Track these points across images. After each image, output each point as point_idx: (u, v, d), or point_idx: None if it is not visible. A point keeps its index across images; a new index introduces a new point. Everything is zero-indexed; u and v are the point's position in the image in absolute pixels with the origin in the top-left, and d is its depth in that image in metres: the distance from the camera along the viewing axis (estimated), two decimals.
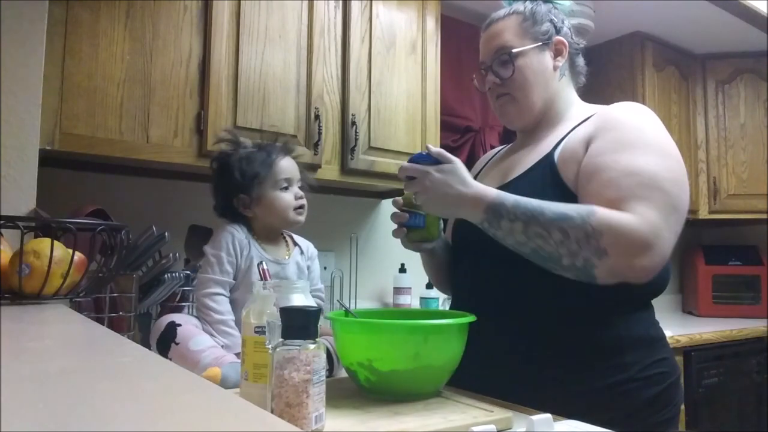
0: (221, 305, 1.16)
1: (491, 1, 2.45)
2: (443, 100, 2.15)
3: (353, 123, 1.86)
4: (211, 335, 1.13)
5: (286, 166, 1.26)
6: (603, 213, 0.91)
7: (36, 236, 1.03)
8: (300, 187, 1.28)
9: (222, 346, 1.12)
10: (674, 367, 1.06)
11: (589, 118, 1.08)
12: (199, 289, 1.18)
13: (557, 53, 1.15)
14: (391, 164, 1.95)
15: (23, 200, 1.27)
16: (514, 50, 1.12)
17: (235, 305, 1.18)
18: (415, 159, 1.03)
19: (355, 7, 1.92)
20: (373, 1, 1.95)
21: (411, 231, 1.11)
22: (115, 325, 1.25)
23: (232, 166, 1.24)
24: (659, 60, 2.86)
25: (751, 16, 2.61)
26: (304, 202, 1.27)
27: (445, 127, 2.28)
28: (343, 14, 1.90)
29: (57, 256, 0.94)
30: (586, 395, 0.96)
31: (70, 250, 0.97)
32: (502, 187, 1.05)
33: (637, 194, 0.92)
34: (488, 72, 1.17)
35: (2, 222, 0.96)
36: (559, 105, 1.16)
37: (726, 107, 3.02)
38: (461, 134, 2.50)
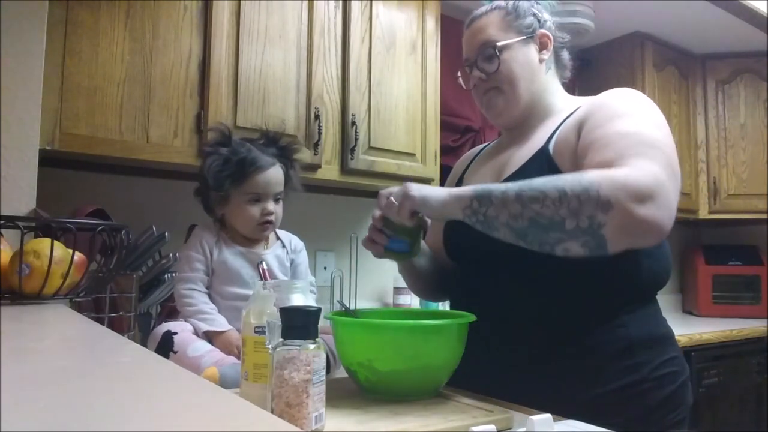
0: (194, 297, 1.20)
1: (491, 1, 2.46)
2: (443, 100, 2.15)
3: (353, 123, 1.86)
4: (196, 327, 1.16)
5: (261, 180, 1.23)
6: (597, 170, 0.87)
7: (36, 236, 1.03)
8: (278, 199, 1.26)
9: (210, 342, 1.14)
10: (684, 365, 1.04)
11: (579, 107, 1.07)
12: (176, 288, 1.24)
13: (542, 46, 1.14)
14: (391, 164, 1.95)
15: (23, 200, 1.27)
16: (498, 43, 1.11)
17: (215, 299, 1.23)
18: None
19: (355, 7, 1.92)
20: (373, 1, 1.95)
21: (392, 254, 1.05)
22: (115, 325, 1.25)
23: (209, 165, 1.23)
24: (659, 60, 2.86)
25: (751, 16, 2.60)
26: (270, 218, 1.25)
27: (445, 127, 2.28)
28: (343, 14, 1.89)
29: (57, 256, 0.94)
30: (597, 398, 0.94)
31: (70, 250, 0.97)
32: None
33: (636, 152, 0.88)
34: (473, 68, 1.15)
35: (2, 222, 0.96)
36: (547, 99, 1.15)
37: (726, 107, 3.01)
38: (461, 134, 2.50)
